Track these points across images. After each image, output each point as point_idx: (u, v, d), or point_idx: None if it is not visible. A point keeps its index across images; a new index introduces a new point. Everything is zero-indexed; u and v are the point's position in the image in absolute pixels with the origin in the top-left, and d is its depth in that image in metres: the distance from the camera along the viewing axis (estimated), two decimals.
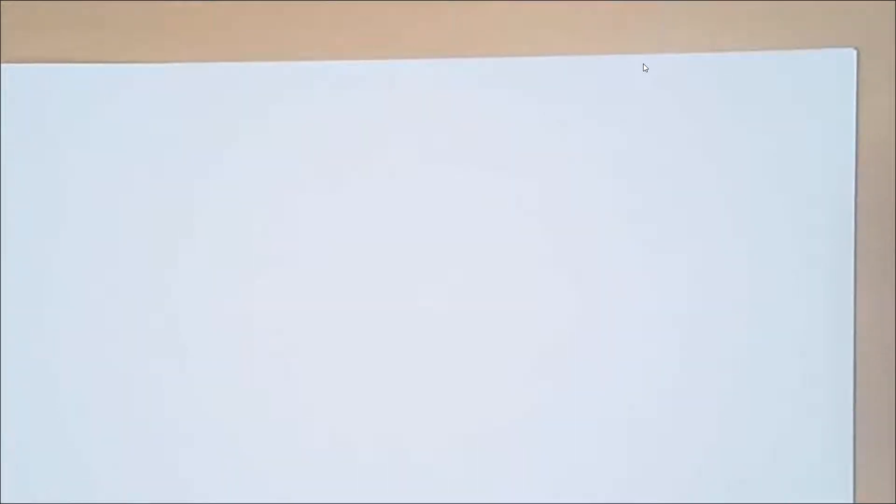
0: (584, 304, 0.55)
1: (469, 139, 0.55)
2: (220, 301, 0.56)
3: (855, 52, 0.54)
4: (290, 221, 0.56)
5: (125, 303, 0.56)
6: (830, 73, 0.54)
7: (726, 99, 0.55)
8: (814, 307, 0.54)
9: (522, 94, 0.55)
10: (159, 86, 0.56)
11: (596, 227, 0.55)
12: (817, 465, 0.54)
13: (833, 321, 0.54)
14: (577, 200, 0.55)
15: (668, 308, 0.55)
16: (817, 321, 0.54)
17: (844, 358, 0.54)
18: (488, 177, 0.55)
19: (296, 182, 0.56)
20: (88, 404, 0.56)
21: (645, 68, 0.55)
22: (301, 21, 0.56)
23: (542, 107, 0.55)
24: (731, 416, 0.54)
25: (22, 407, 0.56)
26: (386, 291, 0.56)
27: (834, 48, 0.55)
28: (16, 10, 0.57)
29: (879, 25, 0.55)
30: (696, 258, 0.55)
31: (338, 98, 0.56)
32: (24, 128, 0.56)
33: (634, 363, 0.55)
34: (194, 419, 0.56)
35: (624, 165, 0.55)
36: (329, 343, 0.56)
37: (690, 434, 0.55)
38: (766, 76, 0.55)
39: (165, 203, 0.56)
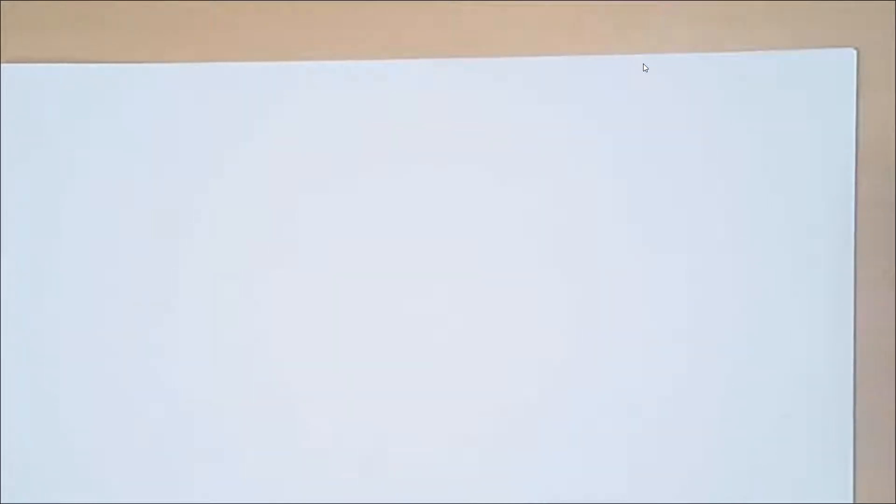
0: (585, 303, 0.55)
1: (469, 139, 0.55)
2: (221, 300, 0.56)
3: (855, 52, 0.54)
4: (291, 221, 0.56)
5: (125, 303, 0.56)
6: (830, 73, 0.54)
7: (726, 99, 0.55)
8: (814, 307, 0.54)
9: (522, 94, 0.55)
10: (159, 86, 0.56)
11: (596, 226, 0.55)
12: (817, 465, 0.54)
13: (833, 321, 0.54)
14: (577, 200, 0.55)
15: (667, 307, 0.55)
16: (817, 321, 0.54)
17: (844, 358, 0.54)
18: (488, 177, 0.55)
19: (296, 182, 0.56)
20: (89, 404, 0.56)
21: (645, 68, 0.55)
22: (301, 21, 0.56)
23: (542, 107, 0.55)
24: (730, 416, 0.54)
25: (22, 407, 0.56)
26: (387, 291, 0.56)
27: (834, 48, 0.55)
28: (16, 10, 0.57)
29: (879, 25, 0.55)
30: (696, 258, 0.55)
31: (338, 98, 0.56)
32: (24, 128, 0.56)
33: (634, 363, 0.55)
34: (195, 419, 0.56)
35: (624, 165, 0.55)
36: (330, 342, 0.56)
37: (690, 434, 0.55)
38: (766, 76, 0.55)
39: (166, 203, 0.56)
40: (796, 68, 0.54)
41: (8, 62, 0.57)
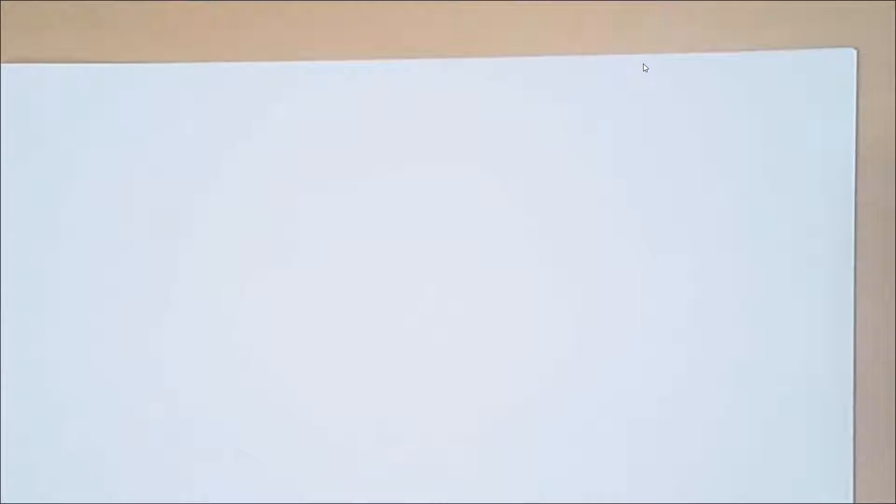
0: (585, 303, 0.55)
1: (469, 139, 0.55)
2: (221, 300, 0.56)
3: (855, 52, 0.54)
4: (291, 221, 0.56)
5: (125, 303, 0.56)
6: (830, 73, 0.54)
7: (726, 99, 0.55)
8: (814, 307, 0.54)
9: (522, 94, 0.55)
10: (159, 86, 0.56)
11: (596, 226, 0.55)
12: (817, 465, 0.54)
13: (833, 321, 0.54)
14: (577, 200, 0.55)
15: (667, 308, 0.55)
16: (817, 321, 0.54)
17: (844, 358, 0.54)
18: (488, 177, 0.55)
19: (296, 182, 0.56)
20: (89, 404, 0.56)
21: (645, 68, 0.55)
22: (301, 21, 0.56)
23: (543, 107, 0.55)
24: (730, 416, 0.54)
25: (22, 407, 0.56)
26: (387, 291, 0.56)
27: (834, 48, 0.55)
28: (16, 10, 0.57)
29: (879, 25, 0.55)
30: (696, 258, 0.55)
31: (338, 98, 0.56)
32: (24, 128, 0.56)
33: (634, 363, 0.55)
34: (195, 419, 0.56)
35: (624, 165, 0.55)
36: (330, 342, 0.56)
37: (690, 434, 0.55)
38: (766, 76, 0.55)
39: (165, 203, 0.56)
40: (796, 68, 0.54)
41: (8, 62, 0.57)
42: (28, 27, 0.57)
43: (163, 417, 0.56)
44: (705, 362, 0.55)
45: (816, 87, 0.54)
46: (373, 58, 0.56)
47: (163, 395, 0.56)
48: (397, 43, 0.56)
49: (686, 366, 0.55)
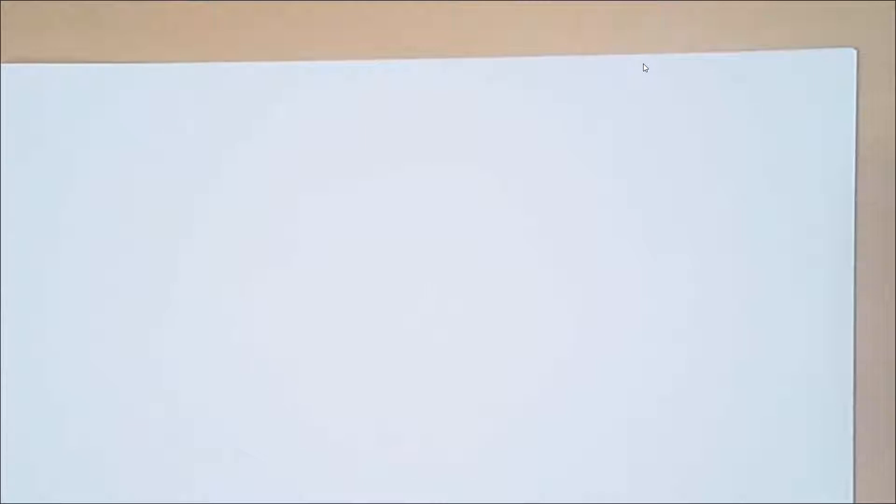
0: (585, 303, 0.55)
1: (469, 139, 0.55)
2: (221, 300, 0.56)
3: (855, 52, 0.54)
4: (290, 222, 0.56)
5: (125, 303, 0.56)
6: (830, 73, 0.54)
7: (726, 99, 0.55)
8: (814, 307, 0.54)
9: (522, 94, 0.55)
10: (159, 86, 0.56)
11: (596, 226, 0.55)
12: (817, 465, 0.54)
13: (833, 321, 0.54)
14: (577, 200, 0.55)
15: (667, 308, 0.55)
16: (817, 321, 0.54)
17: (844, 358, 0.54)
18: (488, 177, 0.55)
19: (296, 182, 0.56)
20: (89, 404, 0.56)
21: (645, 68, 0.55)
22: (301, 21, 0.56)
23: (543, 107, 0.55)
24: (730, 416, 0.54)
25: (22, 407, 0.56)
26: (387, 291, 0.56)
27: (834, 48, 0.55)
28: (16, 10, 0.57)
29: (879, 25, 0.55)
30: (696, 258, 0.55)
31: (338, 98, 0.56)
32: (24, 128, 0.56)
33: (634, 363, 0.55)
34: (195, 419, 0.56)
35: (624, 165, 0.55)
36: (330, 342, 0.56)
37: (690, 434, 0.55)
38: (766, 76, 0.55)
39: (165, 203, 0.56)
40: (796, 68, 0.54)
41: (8, 62, 0.57)
42: (28, 27, 0.57)
43: (163, 417, 0.56)
44: (705, 362, 0.55)
45: (816, 87, 0.54)
46: (373, 58, 0.56)
47: (163, 395, 0.56)
48: (397, 43, 0.56)
49: (686, 366, 0.55)
